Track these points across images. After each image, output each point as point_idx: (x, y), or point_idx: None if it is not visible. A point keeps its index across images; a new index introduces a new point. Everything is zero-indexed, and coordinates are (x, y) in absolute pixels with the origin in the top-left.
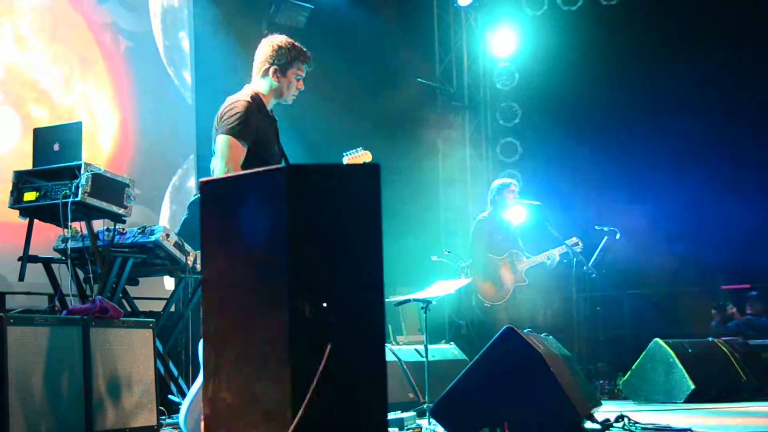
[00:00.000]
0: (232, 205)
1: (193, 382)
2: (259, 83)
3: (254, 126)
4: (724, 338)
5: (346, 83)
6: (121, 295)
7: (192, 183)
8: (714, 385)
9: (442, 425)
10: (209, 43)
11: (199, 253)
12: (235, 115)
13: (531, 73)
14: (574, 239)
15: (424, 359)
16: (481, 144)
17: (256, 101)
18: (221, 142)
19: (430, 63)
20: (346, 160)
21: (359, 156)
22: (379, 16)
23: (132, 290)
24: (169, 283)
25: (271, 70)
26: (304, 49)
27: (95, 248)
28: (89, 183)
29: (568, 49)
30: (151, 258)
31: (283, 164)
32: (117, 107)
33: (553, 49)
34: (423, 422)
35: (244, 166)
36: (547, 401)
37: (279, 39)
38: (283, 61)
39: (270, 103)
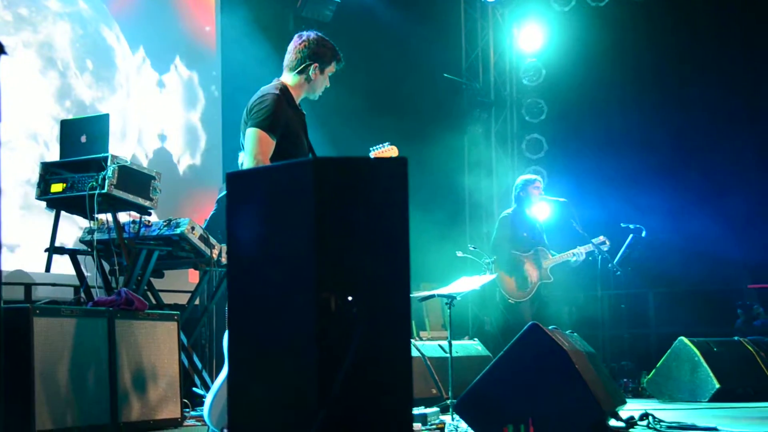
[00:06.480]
0: (259, 198)
1: (216, 375)
2: (291, 77)
3: (283, 119)
4: (749, 338)
5: (372, 78)
6: (146, 287)
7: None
8: (739, 385)
9: (466, 421)
10: (236, 37)
11: (224, 246)
12: (264, 108)
13: (558, 70)
14: (602, 238)
15: (448, 355)
16: (507, 140)
17: (286, 94)
18: (250, 135)
19: (456, 58)
20: (372, 155)
21: (386, 151)
22: (405, 11)
23: (157, 283)
24: (193, 276)
25: (312, 66)
26: (337, 48)
27: (121, 240)
28: (116, 175)
29: (596, 45)
30: (176, 250)
31: (310, 158)
32: (143, 103)
33: (581, 45)
34: (446, 418)
35: (272, 160)
36: (571, 398)
37: (316, 36)
38: (324, 59)
39: (299, 97)
